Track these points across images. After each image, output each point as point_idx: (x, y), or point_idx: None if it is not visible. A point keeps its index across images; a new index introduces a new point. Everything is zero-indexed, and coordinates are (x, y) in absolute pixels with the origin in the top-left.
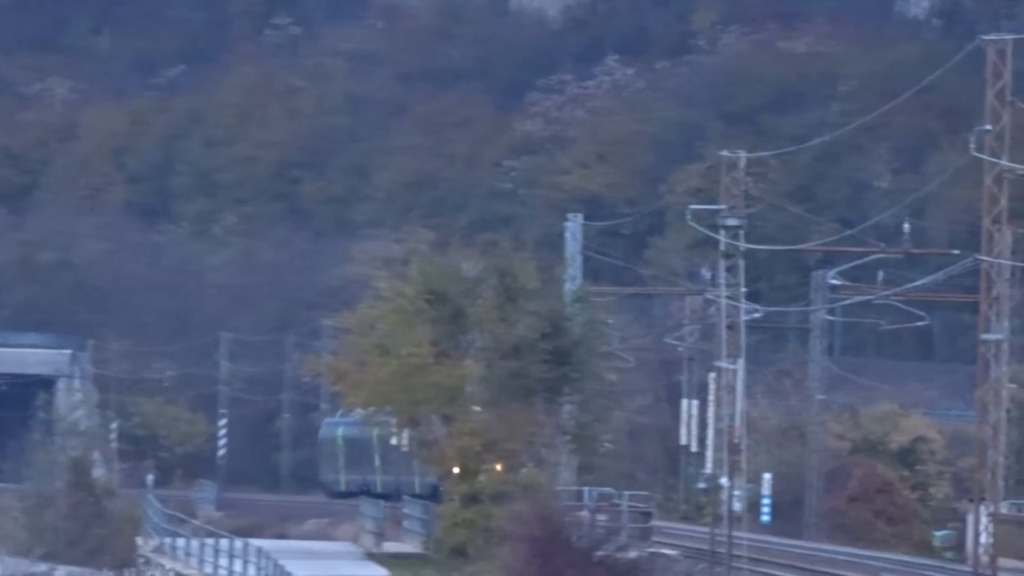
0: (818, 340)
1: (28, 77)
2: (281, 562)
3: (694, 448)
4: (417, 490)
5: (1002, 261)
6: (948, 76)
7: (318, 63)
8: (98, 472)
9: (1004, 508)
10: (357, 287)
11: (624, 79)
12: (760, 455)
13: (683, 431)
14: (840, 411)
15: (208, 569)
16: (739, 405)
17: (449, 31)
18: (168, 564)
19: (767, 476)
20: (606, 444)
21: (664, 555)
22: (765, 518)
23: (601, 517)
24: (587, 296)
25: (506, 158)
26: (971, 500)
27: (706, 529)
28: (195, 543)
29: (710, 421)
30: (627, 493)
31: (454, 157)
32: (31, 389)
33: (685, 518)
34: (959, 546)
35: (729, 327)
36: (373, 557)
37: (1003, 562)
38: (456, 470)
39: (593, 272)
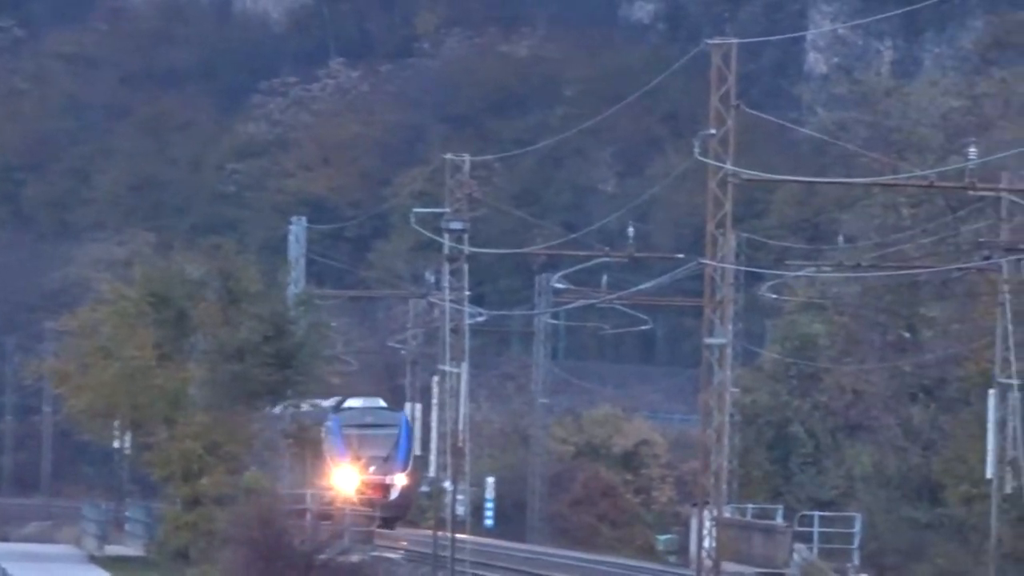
0: (542, 344)
1: None
2: (2, 565)
3: (417, 451)
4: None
5: (726, 265)
6: (672, 80)
7: (40, 65)
8: None
9: (727, 512)
10: (80, 290)
11: (348, 82)
12: (483, 459)
13: None
14: (563, 415)
15: None
16: (462, 409)
17: (172, 33)
18: None
19: (490, 480)
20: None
21: (387, 559)
22: (488, 522)
23: (324, 521)
24: (310, 299)
25: (229, 161)
26: (694, 504)
27: (429, 533)
28: None
29: (433, 425)
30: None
31: (177, 160)
32: None
33: (408, 522)
34: (682, 550)
35: (453, 331)
36: (95, 560)
37: (726, 566)
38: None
39: (317, 275)
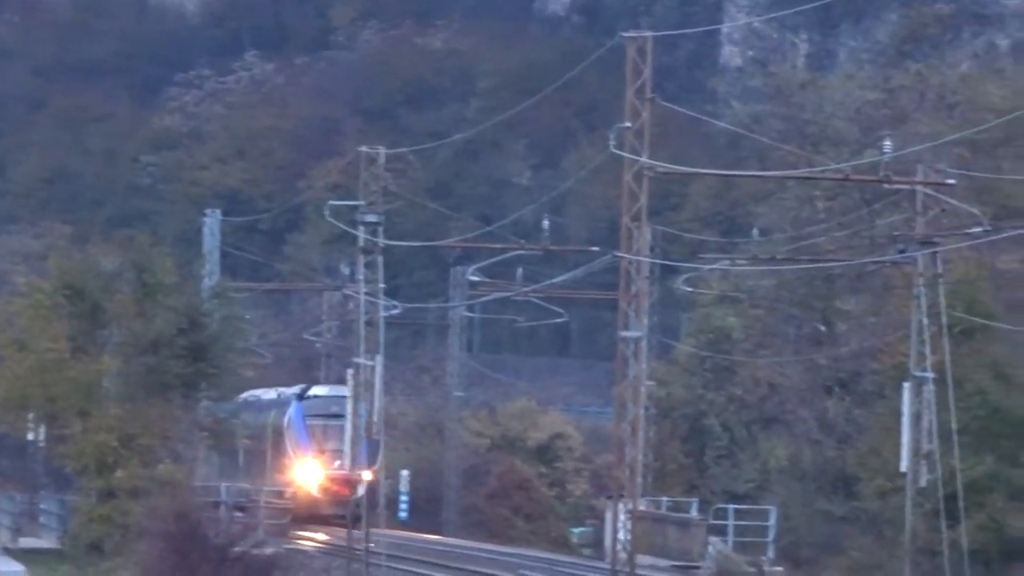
0: (457, 337)
1: None
2: None
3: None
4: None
5: (641, 258)
6: (588, 73)
7: None
8: None
9: (642, 505)
10: None
11: (263, 74)
12: (399, 451)
13: None
14: (478, 408)
15: None
16: (377, 402)
17: (88, 25)
18: None
19: (405, 472)
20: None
21: (301, 551)
22: (403, 514)
23: (238, 513)
24: (225, 292)
25: (144, 153)
26: (609, 497)
27: (344, 525)
28: None
29: (349, 417)
30: (265, 489)
31: (92, 152)
32: None
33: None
34: (597, 543)
35: (368, 323)
36: (9, 552)
37: (641, 558)
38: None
39: (231, 268)
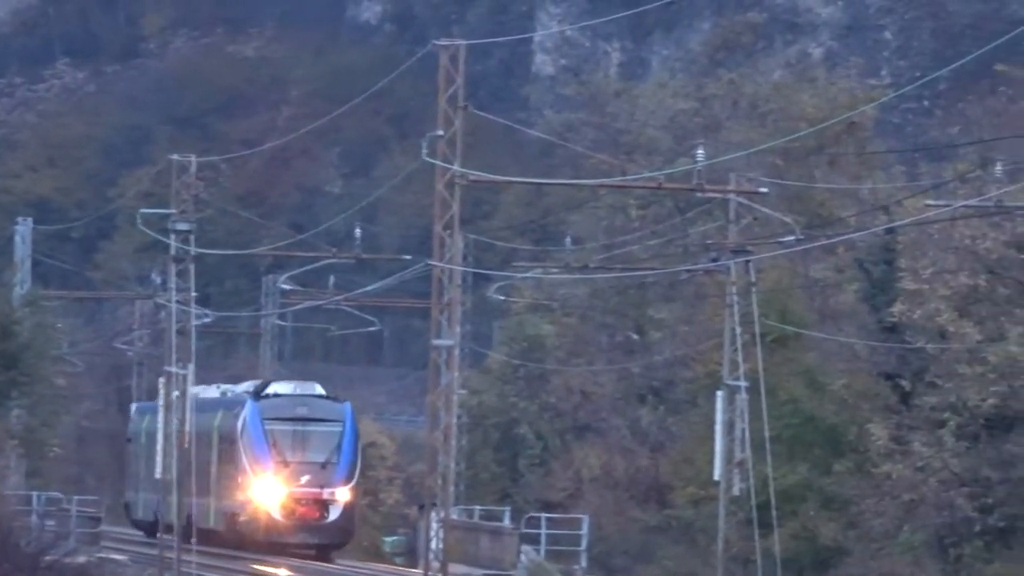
0: (268, 345)
1: None
2: None
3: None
4: (211, 522)
5: (453, 267)
6: (400, 81)
7: None
8: None
9: (455, 514)
10: None
11: (74, 82)
12: None
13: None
14: None
15: None
16: (189, 411)
17: None
18: None
19: None
20: (55, 449)
21: (113, 560)
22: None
23: (50, 522)
24: (37, 300)
25: None
26: (421, 506)
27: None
28: None
29: (160, 426)
30: (76, 498)
31: None
32: None
33: (136, 523)
34: (410, 551)
35: (179, 332)
36: None
37: (453, 568)
38: None
39: (43, 276)
